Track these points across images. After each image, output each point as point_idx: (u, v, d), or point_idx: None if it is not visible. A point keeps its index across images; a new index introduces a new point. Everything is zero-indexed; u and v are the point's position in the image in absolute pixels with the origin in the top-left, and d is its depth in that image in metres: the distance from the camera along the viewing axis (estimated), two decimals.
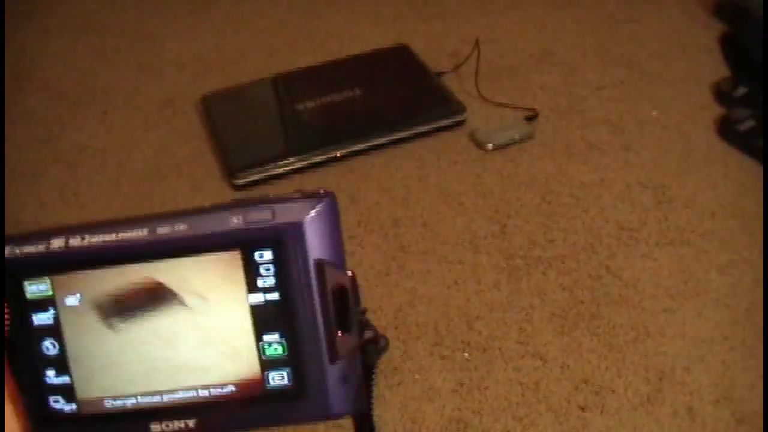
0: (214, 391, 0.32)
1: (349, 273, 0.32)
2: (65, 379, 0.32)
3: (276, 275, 0.31)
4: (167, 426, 0.32)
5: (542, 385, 0.63)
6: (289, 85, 0.97)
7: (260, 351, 0.32)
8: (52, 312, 0.32)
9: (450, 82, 0.95)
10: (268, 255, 0.31)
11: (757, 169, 0.80)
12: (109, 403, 0.32)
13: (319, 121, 0.91)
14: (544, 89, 0.93)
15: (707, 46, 0.97)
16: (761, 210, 0.76)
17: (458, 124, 0.89)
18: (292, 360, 0.32)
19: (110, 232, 0.32)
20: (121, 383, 0.32)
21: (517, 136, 0.86)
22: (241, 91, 0.96)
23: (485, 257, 0.74)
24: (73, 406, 0.32)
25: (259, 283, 0.31)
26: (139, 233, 0.31)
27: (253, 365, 0.32)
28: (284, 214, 0.31)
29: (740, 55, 0.90)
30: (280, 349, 0.32)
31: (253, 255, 0.31)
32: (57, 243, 0.31)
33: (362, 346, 0.34)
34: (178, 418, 0.32)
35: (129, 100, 0.99)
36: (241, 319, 0.32)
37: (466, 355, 0.65)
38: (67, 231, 0.32)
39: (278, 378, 0.32)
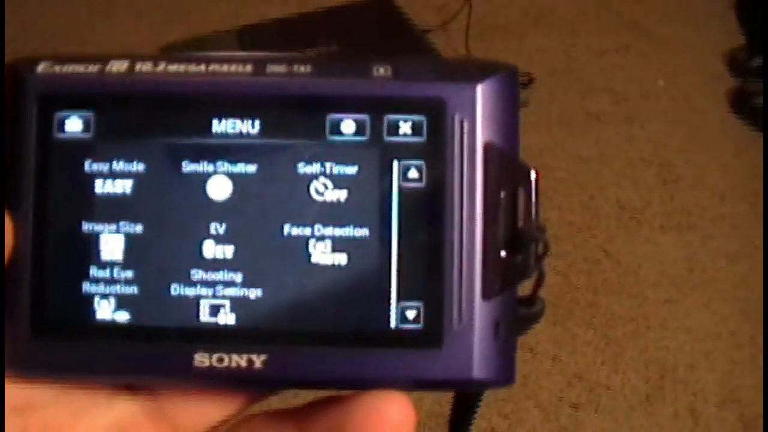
0: (303, 316, 0.23)
1: (532, 172, 0.23)
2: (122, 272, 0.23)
3: (426, 158, 0.22)
4: (220, 360, 0.22)
5: (531, 380, 0.60)
6: (257, 38, 0.91)
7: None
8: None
9: (436, 41, 0.90)
10: (419, 126, 0.23)
11: None
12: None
13: None
14: (541, 52, 0.89)
15: (721, 11, 0.93)
16: None
17: None
18: (429, 288, 0.22)
19: (198, 62, 0.23)
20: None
21: None
22: (204, 43, 0.90)
23: None
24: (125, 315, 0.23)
25: (400, 165, 0.22)
26: (239, 68, 0.23)
27: None
28: (452, 74, 0.23)
29: (757, 22, 0.86)
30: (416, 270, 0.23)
31: (398, 126, 0.22)
32: (118, 66, 0.23)
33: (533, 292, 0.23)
34: (240, 350, 0.23)
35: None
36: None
37: None
38: (134, 56, 0.24)
39: (408, 313, 0.22)
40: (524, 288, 0.22)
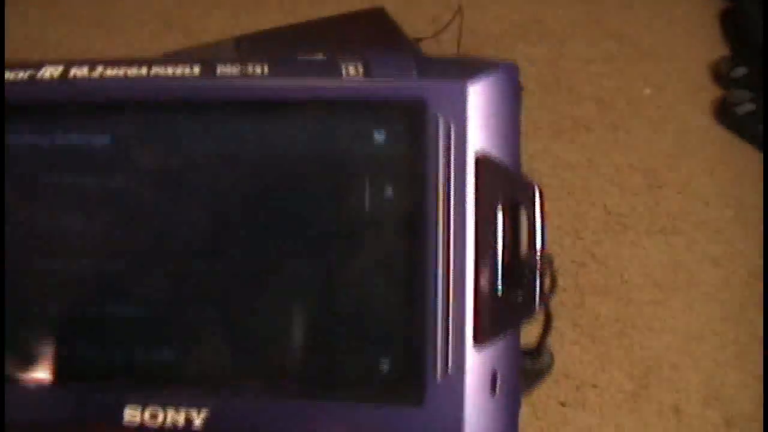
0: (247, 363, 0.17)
1: (535, 187, 0.18)
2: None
3: (404, 169, 0.17)
4: (154, 415, 0.17)
5: None
6: (253, 47, 0.90)
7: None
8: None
9: (429, 50, 0.90)
10: (397, 132, 0.17)
11: (755, 156, 0.76)
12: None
13: None
14: (530, 61, 0.89)
15: (706, 22, 0.93)
16: (758, 199, 0.72)
17: None
18: (407, 332, 0.17)
19: (138, 65, 0.17)
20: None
21: None
22: (203, 52, 0.88)
23: None
24: None
25: (372, 180, 0.17)
26: (185, 71, 0.18)
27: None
28: (437, 70, 0.18)
29: (741, 34, 0.87)
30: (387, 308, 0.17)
31: (371, 134, 0.17)
32: (51, 71, 0.18)
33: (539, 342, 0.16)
34: (180, 404, 0.18)
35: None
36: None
37: None
38: (71, 61, 0.18)
39: (379, 362, 0.17)
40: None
